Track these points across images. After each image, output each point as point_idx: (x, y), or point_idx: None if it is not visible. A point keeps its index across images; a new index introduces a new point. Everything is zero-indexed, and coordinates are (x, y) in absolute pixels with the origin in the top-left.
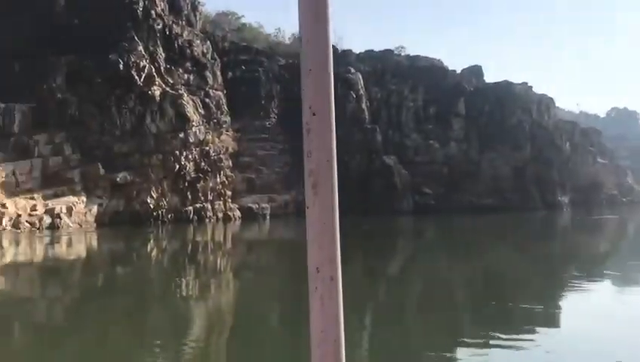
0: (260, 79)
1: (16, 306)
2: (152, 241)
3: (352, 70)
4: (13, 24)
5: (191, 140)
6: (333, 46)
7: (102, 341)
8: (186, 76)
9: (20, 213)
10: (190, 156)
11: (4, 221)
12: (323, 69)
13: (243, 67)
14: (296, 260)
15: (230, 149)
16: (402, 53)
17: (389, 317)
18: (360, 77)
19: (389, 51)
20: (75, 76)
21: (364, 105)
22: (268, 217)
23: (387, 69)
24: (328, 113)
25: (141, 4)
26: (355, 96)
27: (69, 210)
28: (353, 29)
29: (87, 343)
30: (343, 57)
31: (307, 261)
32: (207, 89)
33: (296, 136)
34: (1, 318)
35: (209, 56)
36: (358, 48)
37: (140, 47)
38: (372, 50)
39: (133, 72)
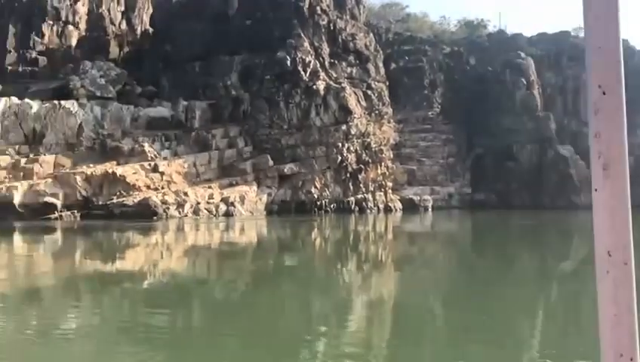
0: (424, 69)
1: (197, 284)
2: (315, 230)
3: (523, 55)
4: (191, 29)
5: (353, 132)
6: (501, 30)
7: (271, 322)
8: (348, 69)
9: (199, 200)
10: (352, 148)
11: (186, 207)
12: (613, 45)
13: (406, 57)
14: (463, 253)
15: (391, 140)
16: (580, 35)
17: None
18: (531, 62)
19: (564, 33)
20: (247, 74)
21: (535, 92)
22: (430, 209)
23: (562, 52)
24: (619, 91)
25: (307, 1)
26: (525, 82)
27: (242, 199)
28: (523, 11)
29: (257, 323)
30: (513, 41)
31: (595, 244)
32: (369, 81)
33: (461, 126)
34: (185, 294)
35: (372, 48)
36: (529, 32)
37: (306, 44)
38: (545, 33)
39: (300, 68)
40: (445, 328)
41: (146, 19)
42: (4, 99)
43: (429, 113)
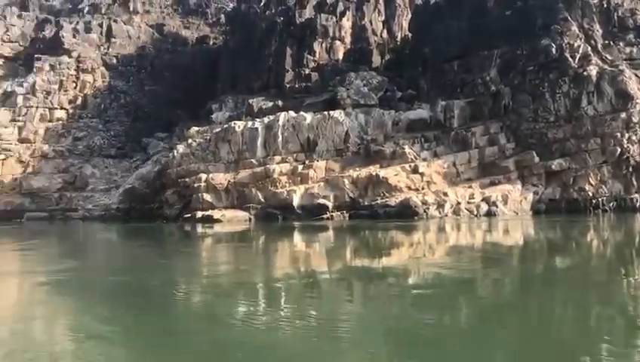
0: None
1: (461, 283)
2: (591, 231)
3: None
4: (448, 28)
5: (635, 120)
6: None
7: (544, 330)
8: (627, 50)
9: (459, 200)
10: (634, 138)
11: (446, 207)
12: None
13: None
14: None
15: None
16: None
17: None
18: None
19: None
20: (507, 67)
21: None
22: None
23: None
24: None
25: None
26: None
27: (505, 198)
28: None
29: (530, 328)
30: None
31: None
32: None
33: None
34: (449, 293)
35: None
36: None
37: (574, 27)
38: None
39: (567, 54)
40: None
41: (405, 24)
42: (283, 113)
43: None
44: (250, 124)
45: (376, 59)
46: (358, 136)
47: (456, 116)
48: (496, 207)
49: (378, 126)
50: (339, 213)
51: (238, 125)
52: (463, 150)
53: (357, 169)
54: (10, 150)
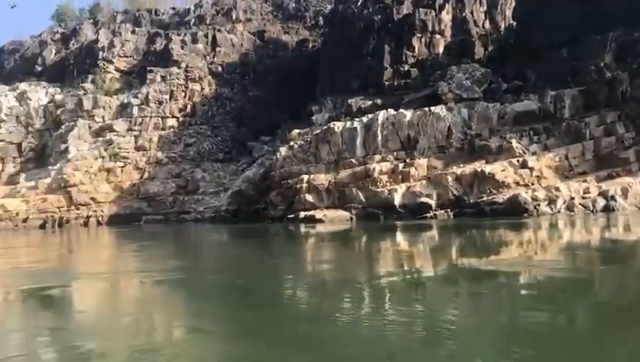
0: None
1: (576, 284)
2: None
3: None
4: (556, 14)
5: None
6: None
7: None
8: None
9: (573, 195)
10: None
11: (558, 203)
12: None
13: None
14: None
15: None
16: None
17: None
18: None
19: None
20: (623, 51)
21: None
22: None
23: None
24: None
25: None
26: None
27: (624, 192)
28: None
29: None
30: None
31: None
32: None
33: None
34: (564, 293)
35: None
36: None
37: None
38: None
39: None
40: None
41: (509, 13)
42: (383, 111)
43: None
44: (349, 124)
45: (479, 51)
46: (462, 132)
47: (567, 106)
48: (615, 201)
49: (482, 120)
50: (442, 211)
51: (338, 126)
52: (576, 142)
53: (461, 165)
54: (128, 158)
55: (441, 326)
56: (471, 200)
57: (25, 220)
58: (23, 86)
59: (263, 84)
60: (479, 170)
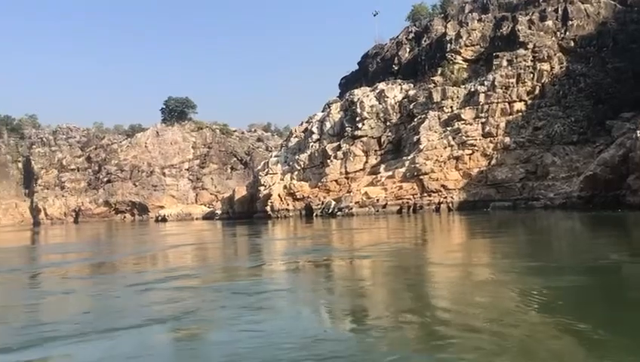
0: None
1: None
2: None
3: None
4: None
5: None
6: None
7: None
8: None
9: None
10: None
11: None
12: None
13: None
14: None
15: None
16: None
17: None
18: None
19: None
20: None
21: None
22: None
23: None
24: None
25: None
26: None
27: None
28: None
29: None
30: None
31: None
32: None
33: None
34: None
35: None
36: None
37: None
38: None
39: None
40: None
41: None
42: None
43: None
44: None
45: None
46: None
47: None
48: None
49: None
50: None
51: None
52: None
53: None
54: (475, 145)
55: None
56: None
57: (384, 206)
58: (381, 85)
59: (625, 54)
60: None
